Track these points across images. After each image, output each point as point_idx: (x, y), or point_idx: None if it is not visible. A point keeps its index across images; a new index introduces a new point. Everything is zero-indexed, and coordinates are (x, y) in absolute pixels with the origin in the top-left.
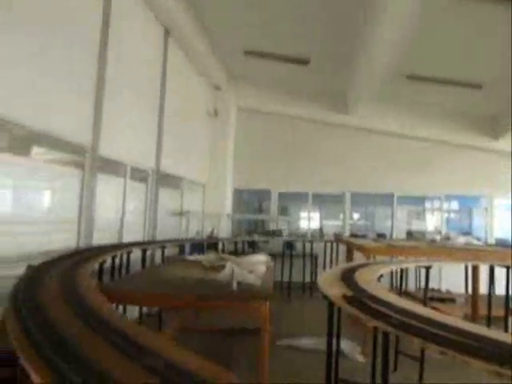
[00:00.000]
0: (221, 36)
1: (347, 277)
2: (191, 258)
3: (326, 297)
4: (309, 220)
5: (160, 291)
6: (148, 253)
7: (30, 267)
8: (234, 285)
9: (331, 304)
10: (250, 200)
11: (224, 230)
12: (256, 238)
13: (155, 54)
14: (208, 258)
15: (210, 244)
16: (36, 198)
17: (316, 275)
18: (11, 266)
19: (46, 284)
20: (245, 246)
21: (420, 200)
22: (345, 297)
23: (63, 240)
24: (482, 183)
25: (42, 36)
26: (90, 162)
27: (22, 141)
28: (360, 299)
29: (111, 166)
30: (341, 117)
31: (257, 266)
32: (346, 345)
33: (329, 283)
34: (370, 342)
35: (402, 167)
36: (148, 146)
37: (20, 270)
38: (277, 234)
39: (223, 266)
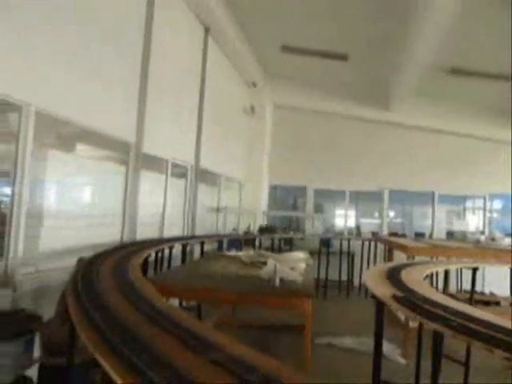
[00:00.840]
0: (258, 32)
1: (393, 276)
2: (230, 253)
3: (374, 296)
4: (345, 218)
5: (204, 286)
6: (187, 248)
7: (81, 260)
8: (277, 281)
9: (380, 303)
10: (284, 197)
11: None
12: (292, 234)
13: (195, 52)
14: (247, 254)
15: (246, 240)
16: (83, 193)
17: (353, 274)
18: (60, 259)
19: (100, 274)
20: (281, 243)
21: (460, 199)
22: (395, 297)
23: (108, 234)
24: None
25: (88, 36)
26: (133, 158)
27: (70, 138)
28: (411, 300)
29: (153, 163)
30: (380, 113)
31: (297, 263)
32: (385, 346)
33: (375, 282)
34: (409, 344)
35: (443, 165)
36: (188, 143)
37: (67, 263)
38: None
39: (264, 263)
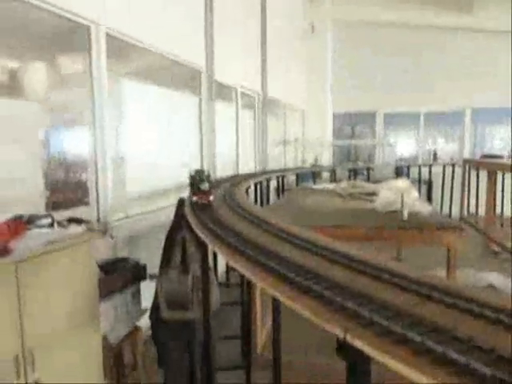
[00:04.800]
0: None
1: None
2: (318, 187)
3: None
4: (420, 143)
5: (335, 223)
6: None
7: (181, 200)
8: (405, 214)
9: None
10: (346, 126)
11: (326, 158)
12: (369, 164)
13: None
14: (340, 186)
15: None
16: (161, 129)
17: (431, 203)
18: (146, 203)
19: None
20: (352, 175)
21: None
22: None
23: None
24: None
25: None
26: (206, 87)
27: (143, 66)
28: None
29: (223, 92)
30: (460, 18)
31: (409, 193)
32: (495, 278)
33: None
34: None
35: None
36: (253, 70)
37: (153, 207)
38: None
39: (370, 194)
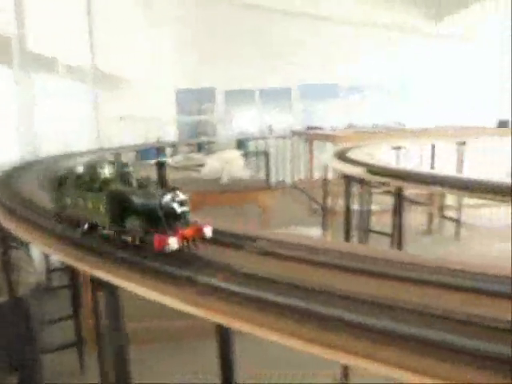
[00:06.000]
0: None
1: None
2: (153, 161)
3: (350, 176)
4: (257, 118)
5: None
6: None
7: None
8: (225, 179)
9: (350, 180)
10: (191, 103)
11: (172, 133)
12: (205, 139)
13: None
14: (174, 159)
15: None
16: None
17: (269, 173)
18: None
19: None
20: (195, 149)
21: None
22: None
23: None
24: None
25: None
26: (18, 57)
27: None
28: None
29: (43, 63)
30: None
31: (235, 161)
32: (314, 232)
33: (339, 166)
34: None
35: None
36: (81, 40)
37: None
38: None
39: (200, 165)
